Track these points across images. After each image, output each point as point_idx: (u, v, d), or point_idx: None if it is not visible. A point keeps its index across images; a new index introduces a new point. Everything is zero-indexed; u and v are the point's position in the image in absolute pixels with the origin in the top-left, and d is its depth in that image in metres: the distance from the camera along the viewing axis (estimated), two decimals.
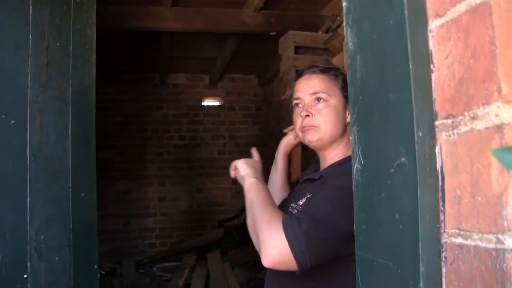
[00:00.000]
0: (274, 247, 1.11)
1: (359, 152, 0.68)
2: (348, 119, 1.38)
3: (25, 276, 1.44)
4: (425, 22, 0.57)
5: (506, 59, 0.47)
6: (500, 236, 0.46)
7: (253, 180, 1.34)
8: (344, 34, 0.72)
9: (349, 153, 1.38)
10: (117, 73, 5.84)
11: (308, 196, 1.33)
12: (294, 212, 1.32)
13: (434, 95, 0.57)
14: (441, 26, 0.54)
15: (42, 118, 1.49)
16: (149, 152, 6.18)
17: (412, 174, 0.56)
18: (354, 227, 0.70)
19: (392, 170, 0.60)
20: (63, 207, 1.54)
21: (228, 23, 3.88)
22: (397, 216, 0.59)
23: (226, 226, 5.75)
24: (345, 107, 1.39)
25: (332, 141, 1.39)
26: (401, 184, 0.58)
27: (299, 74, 1.49)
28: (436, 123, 0.56)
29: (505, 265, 0.45)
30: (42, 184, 1.48)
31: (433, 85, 0.57)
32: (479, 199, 0.49)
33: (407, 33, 0.56)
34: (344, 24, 0.72)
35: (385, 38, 0.60)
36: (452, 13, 0.52)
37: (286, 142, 1.70)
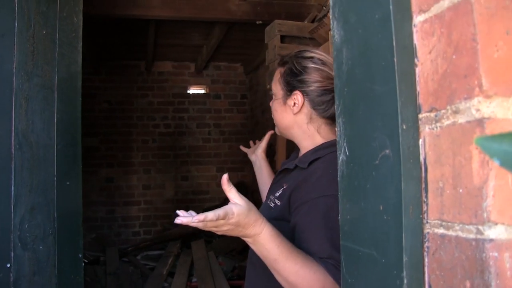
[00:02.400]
0: None
1: (344, 143, 0.69)
2: (294, 111, 1.33)
3: (8, 265, 1.43)
4: (409, 17, 0.58)
5: (487, 55, 0.49)
6: (480, 227, 0.48)
7: (261, 237, 1.05)
8: (331, 26, 0.73)
9: (317, 141, 1.34)
10: (102, 60, 5.78)
11: (285, 186, 1.30)
12: (271, 205, 1.30)
13: (418, 88, 0.58)
14: (425, 21, 0.55)
15: (28, 106, 1.48)
16: (134, 139, 6.16)
17: (396, 165, 0.57)
18: (339, 216, 0.72)
19: (377, 162, 0.61)
20: (48, 196, 1.53)
21: (215, 11, 3.86)
22: (381, 207, 0.60)
23: None
24: (285, 101, 1.35)
25: (291, 133, 1.37)
26: (385, 176, 0.60)
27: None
28: (420, 116, 0.57)
29: (484, 254, 0.47)
30: (27, 172, 1.47)
31: (417, 78, 0.58)
32: (461, 190, 0.51)
33: (392, 27, 0.57)
34: (330, 16, 0.73)
35: (371, 32, 0.61)
36: (436, 8, 0.54)
37: (260, 155, 1.76)
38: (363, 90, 0.63)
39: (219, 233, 1.03)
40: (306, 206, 1.13)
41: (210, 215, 0.96)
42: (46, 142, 1.55)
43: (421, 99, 0.57)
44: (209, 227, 0.99)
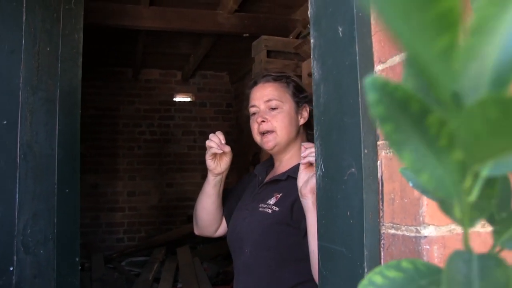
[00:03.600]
0: None
1: (321, 162, 0.85)
2: (300, 122, 1.51)
3: (11, 268, 1.53)
4: (372, 66, 0.74)
5: None
6: (418, 227, 0.64)
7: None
8: (311, 65, 0.88)
9: None
10: (89, 66, 5.86)
11: (278, 195, 1.42)
12: (268, 211, 1.41)
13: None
14: (383, 70, 0.71)
15: (33, 119, 1.60)
16: (120, 146, 6.20)
17: (360, 181, 0.73)
18: (317, 221, 0.87)
19: (345, 177, 0.77)
20: (49, 203, 1.63)
21: (204, 23, 4.00)
22: (348, 213, 0.76)
23: None
24: (296, 112, 1.50)
25: (288, 145, 1.50)
26: (351, 188, 0.75)
27: (253, 83, 1.58)
28: (378, 143, 0.73)
29: (420, 247, 0.63)
30: (31, 180, 1.58)
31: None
32: (406, 201, 0.67)
33: (358, 72, 0.73)
34: (311, 56, 0.89)
35: (342, 74, 0.77)
36: (390, 62, 0.70)
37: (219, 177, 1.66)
38: (336, 120, 0.79)
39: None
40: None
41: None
42: (48, 152, 1.67)
43: (378, 130, 0.73)
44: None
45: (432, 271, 0.32)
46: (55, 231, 1.69)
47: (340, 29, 0.74)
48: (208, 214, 1.71)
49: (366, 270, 0.71)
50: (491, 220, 0.32)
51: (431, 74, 0.22)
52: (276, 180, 1.50)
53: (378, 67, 0.73)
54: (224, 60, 5.94)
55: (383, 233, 0.72)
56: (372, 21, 0.73)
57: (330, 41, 0.81)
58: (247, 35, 4.13)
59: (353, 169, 0.74)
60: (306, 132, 1.56)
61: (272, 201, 1.43)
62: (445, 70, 0.22)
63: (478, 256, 0.27)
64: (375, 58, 0.72)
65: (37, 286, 1.58)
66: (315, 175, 1.04)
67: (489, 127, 0.21)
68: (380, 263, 0.72)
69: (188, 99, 6.59)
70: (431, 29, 0.21)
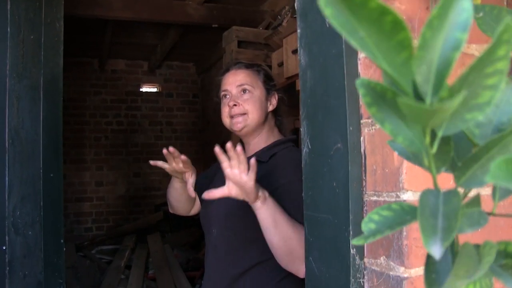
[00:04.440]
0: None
1: (307, 140, 0.96)
2: (269, 109, 1.61)
3: (4, 247, 1.59)
4: (356, 53, 0.84)
5: None
6: (398, 193, 0.76)
7: (269, 199, 1.26)
8: (298, 53, 0.98)
9: (271, 139, 1.60)
10: None
11: None
12: None
13: (360, 103, 0.85)
14: (365, 57, 0.82)
15: (19, 105, 1.64)
16: (87, 137, 6.17)
17: (345, 155, 0.84)
18: (303, 193, 0.98)
19: (332, 153, 0.88)
20: (35, 187, 1.69)
21: (173, 14, 4.03)
22: (334, 184, 0.87)
23: (164, 210, 5.92)
24: (266, 98, 1.60)
25: (256, 128, 1.58)
26: (337, 162, 0.86)
27: (226, 69, 1.66)
28: (362, 121, 0.85)
29: None
30: (19, 165, 1.63)
31: (360, 96, 0.85)
32: (387, 170, 0.78)
33: (344, 59, 0.83)
34: (298, 45, 0.99)
35: (329, 61, 0.87)
36: None
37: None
38: (321, 102, 0.90)
39: (248, 183, 1.20)
40: (279, 190, 1.38)
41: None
42: (34, 138, 1.71)
43: (362, 110, 0.84)
44: (233, 175, 1.21)
45: (413, 210, 0.44)
46: (42, 214, 1.74)
47: (327, 21, 0.85)
48: (179, 202, 1.80)
49: (351, 233, 0.82)
50: (452, 169, 0.43)
51: (398, 75, 0.37)
52: None
53: (361, 54, 0.84)
54: (190, 51, 5.97)
55: (366, 200, 0.83)
56: None
57: (316, 32, 0.92)
58: (216, 25, 4.19)
59: (339, 145, 0.85)
60: (275, 117, 1.67)
61: None
62: (406, 72, 0.36)
63: (443, 192, 0.39)
64: None
65: (27, 265, 1.64)
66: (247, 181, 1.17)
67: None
68: None
69: (154, 90, 6.60)
70: (395, 50, 0.35)
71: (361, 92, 0.39)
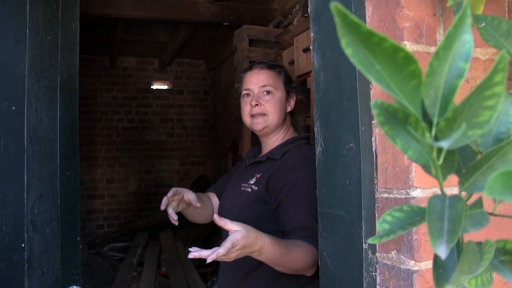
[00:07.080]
0: (314, 265, 1.31)
1: (321, 139, 0.99)
2: (288, 109, 1.66)
3: (23, 245, 1.64)
4: None
5: None
6: (408, 190, 0.79)
7: (265, 247, 1.20)
8: (311, 55, 1.02)
9: (286, 137, 1.65)
10: None
11: (258, 175, 1.56)
12: (248, 190, 1.54)
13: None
14: None
15: (37, 105, 1.69)
16: (98, 134, 6.21)
17: (357, 154, 0.87)
18: (317, 191, 1.01)
19: (344, 152, 0.91)
20: (53, 185, 1.74)
21: (184, 12, 4.07)
22: (347, 182, 0.90)
23: None
24: (286, 99, 1.65)
25: (275, 128, 1.64)
26: (350, 161, 0.89)
27: (248, 68, 1.70)
28: (373, 122, 0.88)
29: None
30: (37, 163, 1.68)
31: (371, 97, 0.88)
32: (397, 169, 0.81)
33: None
34: (311, 47, 1.02)
35: (341, 64, 0.91)
36: None
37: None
38: (335, 103, 0.93)
39: (230, 259, 1.14)
40: (287, 187, 1.42)
41: (221, 250, 1.08)
42: (51, 137, 1.76)
43: (373, 112, 0.87)
44: (222, 258, 1.11)
45: (423, 211, 0.48)
46: (59, 211, 1.78)
47: None
48: (197, 218, 1.78)
49: (363, 229, 0.85)
50: (458, 174, 0.47)
51: (409, 100, 0.42)
52: (257, 162, 1.64)
53: None
54: (201, 48, 6.01)
55: (377, 197, 0.86)
56: (367, 19, 0.86)
57: (329, 35, 0.95)
58: (227, 24, 4.22)
59: (351, 144, 0.88)
60: (291, 117, 1.71)
61: (252, 181, 1.57)
62: (416, 96, 0.42)
63: (449, 197, 0.43)
64: None
65: (45, 262, 1.69)
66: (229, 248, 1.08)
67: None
68: (375, 222, 0.86)
69: (165, 87, 6.64)
70: (406, 79, 0.41)
71: (375, 112, 0.44)
